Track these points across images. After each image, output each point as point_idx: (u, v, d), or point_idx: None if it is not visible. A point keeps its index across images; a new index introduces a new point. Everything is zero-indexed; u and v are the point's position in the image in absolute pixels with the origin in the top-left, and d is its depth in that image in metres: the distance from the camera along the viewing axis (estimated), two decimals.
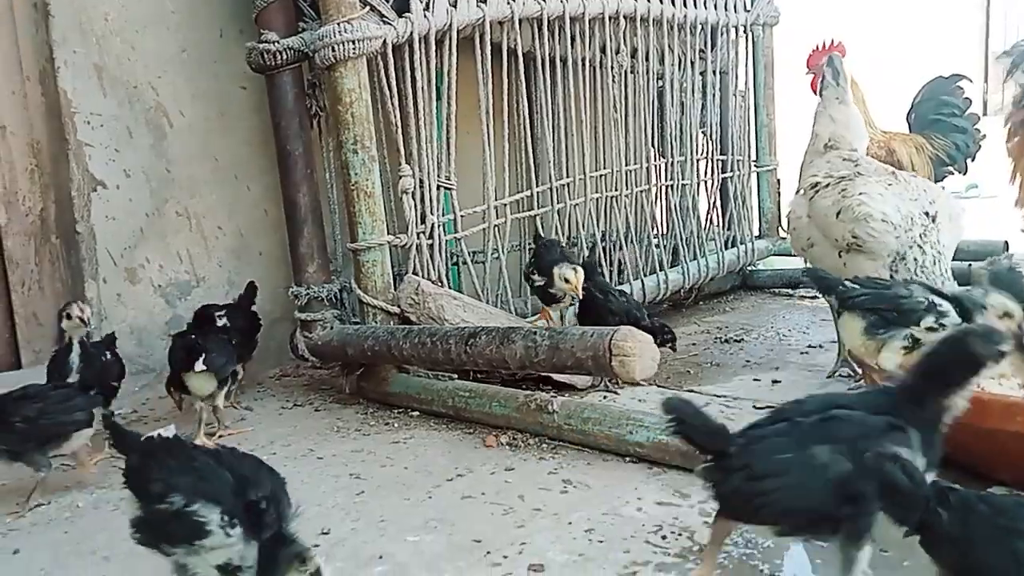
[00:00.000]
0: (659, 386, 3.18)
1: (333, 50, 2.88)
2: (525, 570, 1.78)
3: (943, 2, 9.71)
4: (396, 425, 2.89)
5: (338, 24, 2.87)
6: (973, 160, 4.84)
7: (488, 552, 1.88)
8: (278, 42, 3.05)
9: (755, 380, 3.18)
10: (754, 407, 2.81)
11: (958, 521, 1.28)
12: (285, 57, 3.06)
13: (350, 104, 2.94)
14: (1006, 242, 4.41)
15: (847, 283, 2.35)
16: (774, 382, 3.13)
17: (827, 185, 3.03)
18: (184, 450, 1.51)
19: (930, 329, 2.13)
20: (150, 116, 3.37)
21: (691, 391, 3.10)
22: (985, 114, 4.32)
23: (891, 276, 2.77)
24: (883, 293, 2.25)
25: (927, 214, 2.86)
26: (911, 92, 4.94)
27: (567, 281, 2.99)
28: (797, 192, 3.29)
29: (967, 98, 4.88)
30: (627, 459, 2.38)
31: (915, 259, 2.79)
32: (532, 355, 2.47)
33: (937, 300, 2.18)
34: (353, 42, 2.88)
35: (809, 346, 3.62)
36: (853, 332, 2.27)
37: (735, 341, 3.84)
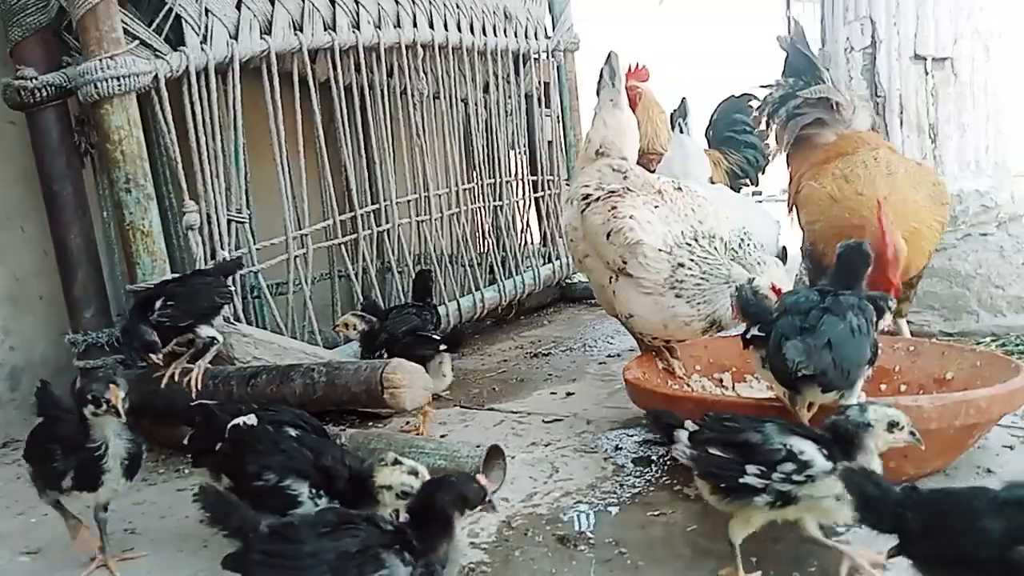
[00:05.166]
0: (462, 407, 3.27)
1: (96, 87, 2.75)
2: None
3: (748, 24, 10.58)
4: (187, 471, 2.79)
5: (100, 60, 2.75)
6: (763, 172, 5.28)
7: None
8: (36, 78, 2.88)
9: (552, 393, 3.34)
10: (543, 422, 2.95)
11: (924, 517, 1.36)
12: (46, 94, 2.89)
13: (119, 142, 2.83)
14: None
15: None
16: (568, 394, 3.30)
17: (597, 199, 2.86)
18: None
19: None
20: None
21: (491, 409, 3.21)
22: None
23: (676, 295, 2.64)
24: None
25: (696, 231, 2.92)
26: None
27: None
28: (568, 202, 3.08)
29: (756, 116, 5.31)
30: None
31: (689, 270, 2.67)
32: (311, 392, 2.47)
33: (796, 447, 1.73)
34: (118, 78, 2.76)
35: (608, 355, 3.83)
36: None
37: (543, 355, 4.00)
